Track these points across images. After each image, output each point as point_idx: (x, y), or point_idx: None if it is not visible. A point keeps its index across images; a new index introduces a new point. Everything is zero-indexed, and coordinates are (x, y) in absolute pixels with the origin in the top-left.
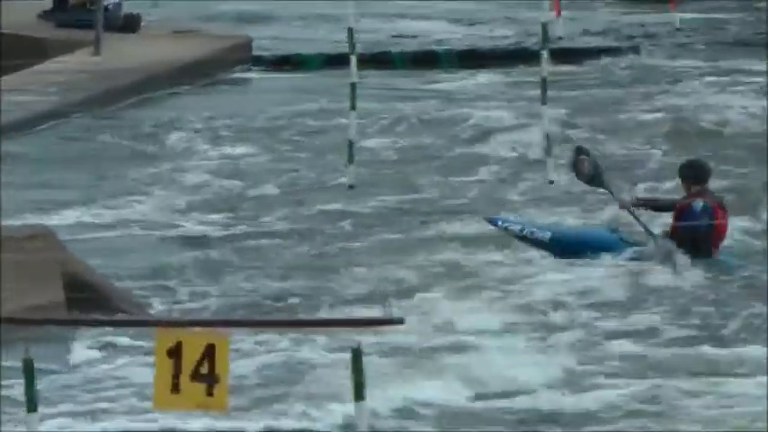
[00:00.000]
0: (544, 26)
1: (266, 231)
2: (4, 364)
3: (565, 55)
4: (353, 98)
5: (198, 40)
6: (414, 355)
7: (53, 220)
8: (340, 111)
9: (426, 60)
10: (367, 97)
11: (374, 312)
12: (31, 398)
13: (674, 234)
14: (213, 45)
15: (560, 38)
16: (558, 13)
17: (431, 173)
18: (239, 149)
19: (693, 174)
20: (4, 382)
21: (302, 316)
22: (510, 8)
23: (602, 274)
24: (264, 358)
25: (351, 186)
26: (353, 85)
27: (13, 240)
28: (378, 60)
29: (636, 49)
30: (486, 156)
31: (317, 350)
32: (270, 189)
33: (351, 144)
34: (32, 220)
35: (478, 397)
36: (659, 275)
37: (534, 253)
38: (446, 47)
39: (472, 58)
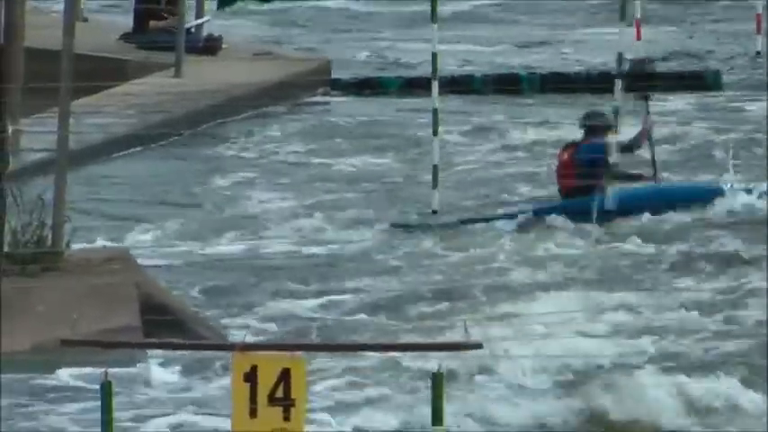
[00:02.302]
0: (620, 56)
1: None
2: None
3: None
4: (435, 123)
5: (278, 62)
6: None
7: (131, 240)
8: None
9: (509, 83)
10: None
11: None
12: (108, 421)
13: None
14: (293, 68)
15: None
16: (639, 37)
17: None
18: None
19: None
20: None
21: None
22: (580, 29)
23: None
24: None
25: (434, 212)
26: (435, 111)
27: (91, 263)
28: (458, 83)
29: (717, 75)
30: None
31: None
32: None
33: (435, 169)
34: (113, 241)
35: None
36: None
37: None
38: (530, 70)
39: (556, 82)
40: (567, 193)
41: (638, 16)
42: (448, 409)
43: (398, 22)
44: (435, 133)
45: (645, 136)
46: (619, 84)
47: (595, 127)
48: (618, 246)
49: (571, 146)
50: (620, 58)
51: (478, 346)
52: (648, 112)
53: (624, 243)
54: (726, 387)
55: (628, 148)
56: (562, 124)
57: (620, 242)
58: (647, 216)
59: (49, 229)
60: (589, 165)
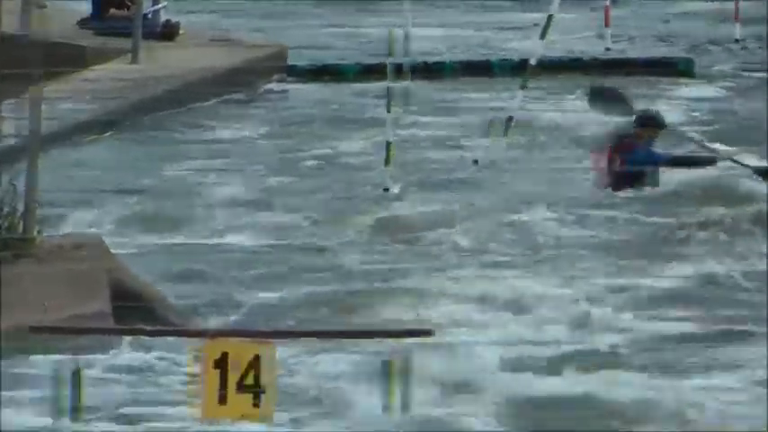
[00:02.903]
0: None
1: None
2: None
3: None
4: (389, 102)
5: (234, 48)
6: None
7: (82, 228)
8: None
9: (480, 70)
10: None
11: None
12: (77, 409)
13: None
14: (249, 54)
15: (608, 49)
16: (608, 24)
17: None
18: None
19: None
20: (34, 391)
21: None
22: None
23: None
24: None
25: (386, 189)
26: (389, 89)
27: (63, 249)
28: (429, 69)
29: (689, 63)
30: None
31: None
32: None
33: (388, 146)
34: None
35: None
36: None
37: None
38: (501, 56)
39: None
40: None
41: (608, 2)
42: None
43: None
44: (389, 110)
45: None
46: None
47: (648, 124)
48: None
49: (624, 146)
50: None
51: (430, 332)
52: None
53: None
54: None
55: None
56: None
57: None
58: None
59: (20, 216)
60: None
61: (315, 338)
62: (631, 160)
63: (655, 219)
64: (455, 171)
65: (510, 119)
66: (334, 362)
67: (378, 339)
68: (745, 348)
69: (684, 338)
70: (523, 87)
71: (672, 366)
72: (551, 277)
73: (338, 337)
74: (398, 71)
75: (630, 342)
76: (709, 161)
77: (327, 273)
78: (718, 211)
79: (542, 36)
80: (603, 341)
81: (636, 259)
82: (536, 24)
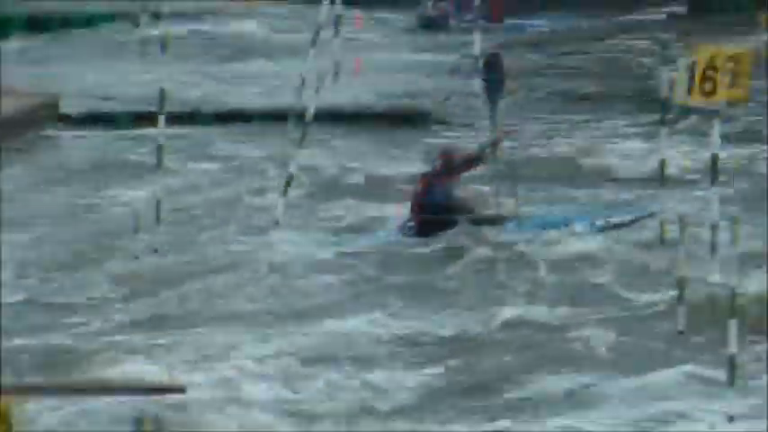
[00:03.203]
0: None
1: None
2: None
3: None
4: (159, 157)
5: (6, 97)
6: None
7: None
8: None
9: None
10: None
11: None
12: None
13: None
14: (22, 102)
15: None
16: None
17: None
18: None
19: None
20: None
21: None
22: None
23: None
24: None
25: (155, 251)
26: (160, 147)
27: None
28: (185, 117)
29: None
30: None
31: None
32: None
33: (158, 204)
34: None
35: None
36: None
37: None
38: (126, 109)
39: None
40: (419, 227)
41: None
42: None
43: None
44: (159, 165)
45: (497, 143)
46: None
47: (450, 161)
48: None
49: (425, 179)
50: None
51: (182, 390)
52: (496, 124)
53: None
54: None
55: (478, 160)
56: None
57: None
58: None
59: None
60: (438, 205)
61: (66, 393)
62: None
63: None
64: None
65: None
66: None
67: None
68: None
69: None
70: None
71: None
72: None
73: (86, 393)
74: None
75: None
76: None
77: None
78: None
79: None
80: None
81: None
82: None
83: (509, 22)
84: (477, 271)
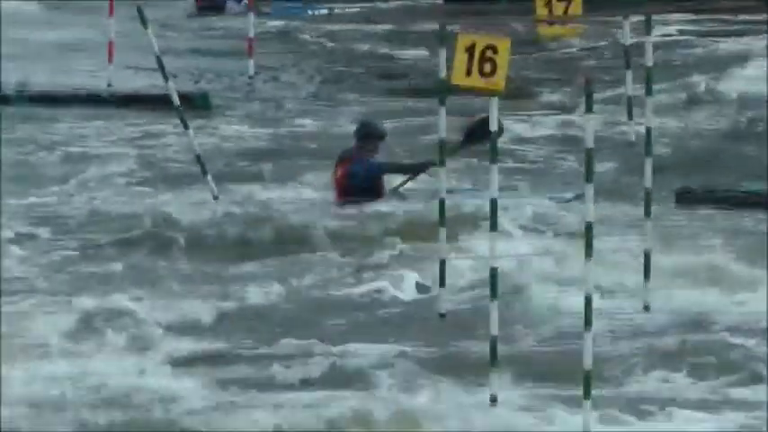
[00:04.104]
0: None
1: None
2: None
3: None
4: None
5: None
6: None
7: None
8: None
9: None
10: None
11: None
12: None
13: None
14: None
15: (110, 85)
16: (111, 61)
17: None
18: None
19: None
20: None
21: None
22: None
23: None
24: None
25: None
26: None
27: None
28: None
29: (205, 99)
30: None
31: None
32: None
33: None
34: None
35: None
36: None
37: None
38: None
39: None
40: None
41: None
42: None
43: None
44: None
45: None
46: None
47: (370, 136)
48: None
49: (346, 161)
50: None
51: None
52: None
53: None
54: None
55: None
56: None
57: None
58: None
59: None
60: (367, 182)
61: None
62: (351, 173)
63: None
64: None
65: None
66: None
67: None
68: None
69: None
70: None
71: None
72: None
73: None
74: None
75: None
76: (422, 168)
77: None
78: None
79: None
80: None
81: None
82: None
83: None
84: None
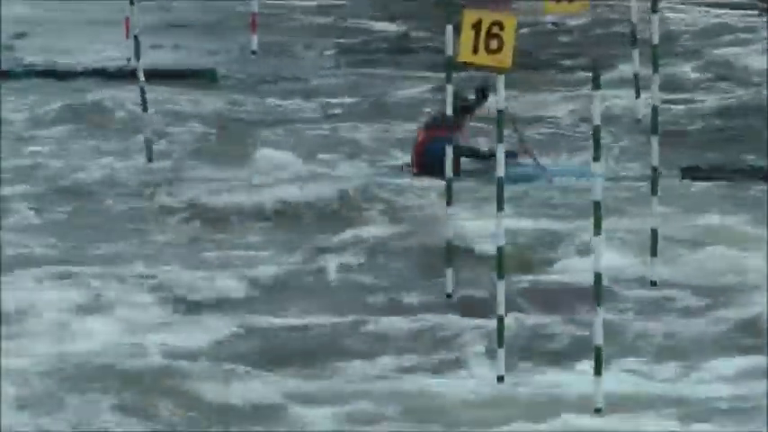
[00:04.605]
0: None
1: None
2: None
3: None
4: None
5: None
6: None
7: None
8: None
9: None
10: None
11: None
12: None
13: None
14: None
15: (129, 59)
16: (128, 36)
17: None
18: None
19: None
20: None
21: None
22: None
23: None
24: None
25: None
26: None
27: None
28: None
29: (213, 73)
30: None
31: None
32: None
33: None
34: None
35: None
36: None
37: None
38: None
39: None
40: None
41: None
42: None
43: None
44: None
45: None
46: None
47: (465, 108)
48: None
49: (431, 130)
50: None
51: None
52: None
53: None
54: None
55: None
56: None
57: None
58: None
59: None
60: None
61: None
62: (429, 151)
63: None
64: None
65: None
66: None
67: None
68: None
69: None
70: None
71: None
72: None
73: None
74: None
75: None
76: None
77: None
78: None
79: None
80: None
81: None
82: None
83: None
84: None
